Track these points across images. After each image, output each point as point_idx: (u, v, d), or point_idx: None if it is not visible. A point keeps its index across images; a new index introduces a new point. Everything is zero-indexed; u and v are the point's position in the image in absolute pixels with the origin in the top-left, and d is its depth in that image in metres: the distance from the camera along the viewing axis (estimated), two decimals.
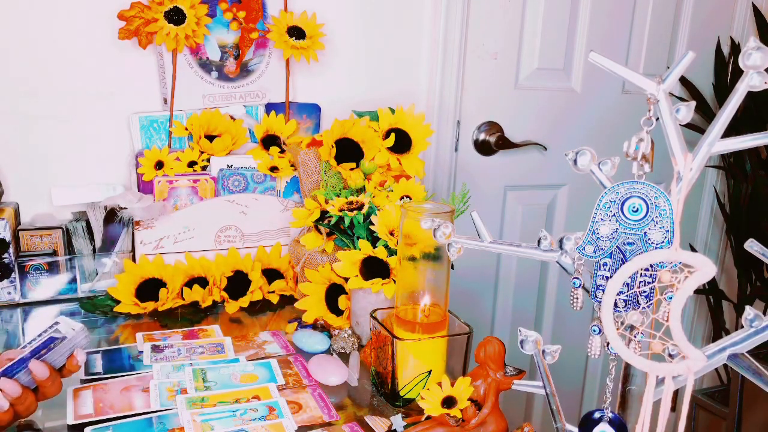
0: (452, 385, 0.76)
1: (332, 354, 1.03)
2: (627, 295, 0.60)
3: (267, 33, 1.32)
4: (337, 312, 1.10)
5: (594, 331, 0.62)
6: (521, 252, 0.67)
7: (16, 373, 0.76)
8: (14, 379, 0.75)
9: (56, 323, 0.82)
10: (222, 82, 1.35)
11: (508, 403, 0.79)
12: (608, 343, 0.61)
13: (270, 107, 1.39)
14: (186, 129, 1.31)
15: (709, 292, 1.99)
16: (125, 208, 1.20)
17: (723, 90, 1.91)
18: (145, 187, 1.27)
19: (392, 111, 1.26)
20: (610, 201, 0.60)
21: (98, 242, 1.25)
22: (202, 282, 1.21)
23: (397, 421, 0.83)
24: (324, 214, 1.11)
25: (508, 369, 0.77)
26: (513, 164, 1.73)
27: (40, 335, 0.80)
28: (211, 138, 1.31)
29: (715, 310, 2.01)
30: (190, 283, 1.20)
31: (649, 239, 0.59)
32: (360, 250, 1.03)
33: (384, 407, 0.89)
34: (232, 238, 1.28)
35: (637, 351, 0.60)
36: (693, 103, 0.59)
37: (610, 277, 0.60)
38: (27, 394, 0.76)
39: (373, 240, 1.05)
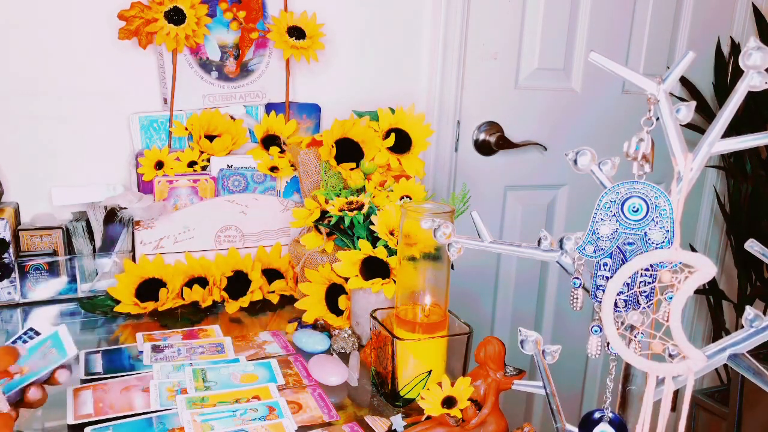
0: (452, 385, 0.76)
1: (332, 354, 1.03)
2: (627, 295, 0.60)
3: (267, 33, 1.32)
4: (337, 312, 1.10)
5: (594, 331, 0.62)
6: (521, 252, 0.67)
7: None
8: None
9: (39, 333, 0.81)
10: (222, 82, 1.35)
11: (508, 403, 0.79)
12: (608, 343, 0.61)
13: (270, 107, 1.39)
14: (186, 129, 1.31)
15: (709, 292, 1.99)
16: (125, 208, 1.20)
17: (723, 90, 1.91)
18: (145, 187, 1.27)
19: (392, 111, 1.26)
20: (610, 201, 0.60)
21: (98, 242, 1.25)
22: (202, 282, 1.21)
23: (397, 421, 0.83)
24: (324, 214, 1.11)
25: (508, 369, 0.77)
26: (513, 164, 1.73)
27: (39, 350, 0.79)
28: (211, 138, 1.31)
29: (715, 310, 2.01)
30: (190, 283, 1.20)
31: (649, 239, 0.59)
32: (360, 250, 1.03)
33: (384, 407, 0.89)
34: (232, 238, 1.28)
35: (637, 351, 0.60)
36: (693, 103, 0.59)
37: (610, 277, 0.60)
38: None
39: (373, 240, 1.05)
